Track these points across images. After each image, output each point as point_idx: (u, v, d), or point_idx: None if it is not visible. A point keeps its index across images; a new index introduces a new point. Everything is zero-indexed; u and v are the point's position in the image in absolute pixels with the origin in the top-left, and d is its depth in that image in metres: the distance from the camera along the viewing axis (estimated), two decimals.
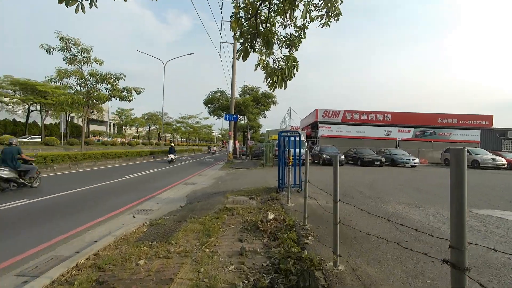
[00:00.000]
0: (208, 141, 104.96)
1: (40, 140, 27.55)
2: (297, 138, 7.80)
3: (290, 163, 5.84)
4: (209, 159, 25.99)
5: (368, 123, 25.37)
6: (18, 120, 38.84)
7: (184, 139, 73.10)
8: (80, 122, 53.63)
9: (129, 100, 15.03)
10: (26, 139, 27.55)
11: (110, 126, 62.19)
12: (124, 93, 15.43)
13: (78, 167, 12.57)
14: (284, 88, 5.13)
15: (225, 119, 21.78)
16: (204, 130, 60.32)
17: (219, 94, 26.23)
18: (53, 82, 12.11)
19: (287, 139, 7.90)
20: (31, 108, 35.53)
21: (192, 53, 26.71)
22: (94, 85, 14.02)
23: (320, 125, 25.25)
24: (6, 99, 30.10)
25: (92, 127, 59.50)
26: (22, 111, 36.60)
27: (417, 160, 19.04)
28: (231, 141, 21.65)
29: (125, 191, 8.33)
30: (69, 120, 51.77)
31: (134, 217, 5.81)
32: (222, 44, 21.50)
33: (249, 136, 41.17)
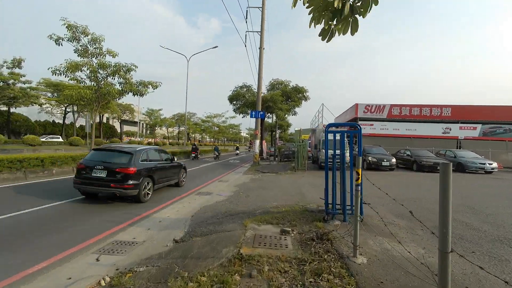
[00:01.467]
0: (236, 141, 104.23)
1: (59, 139, 27.89)
2: (342, 137, 5.13)
3: (360, 180, 3.18)
4: (234, 161, 23.97)
5: (421, 119, 21.12)
6: (56, 122, 41.01)
7: (213, 139, 72.80)
8: (112, 123, 55.73)
9: (142, 95, 13.42)
10: (44, 139, 28.04)
11: (141, 126, 64.03)
12: (140, 87, 13.91)
13: None
14: (352, 33, 2.52)
15: (251, 116, 19.48)
16: (231, 130, 58.89)
17: (244, 89, 23.99)
18: (56, 75, 10.90)
19: (334, 135, 5.24)
20: (68, 109, 37.03)
21: (217, 47, 24.97)
22: (105, 78, 12.62)
23: (360, 122, 21.68)
24: (42, 101, 31.25)
25: (126, 128, 61.78)
26: (59, 113, 38.39)
27: (494, 164, 14.80)
28: (258, 141, 19.28)
29: (116, 206, 6.36)
30: (105, 121, 54.10)
31: (98, 260, 3.66)
32: (248, 34, 19.05)
33: (277, 136, 38.56)
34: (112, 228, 4.89)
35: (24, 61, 25.05)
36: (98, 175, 6.23)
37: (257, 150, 19.09)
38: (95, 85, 12.92)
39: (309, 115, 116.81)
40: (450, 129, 20.73)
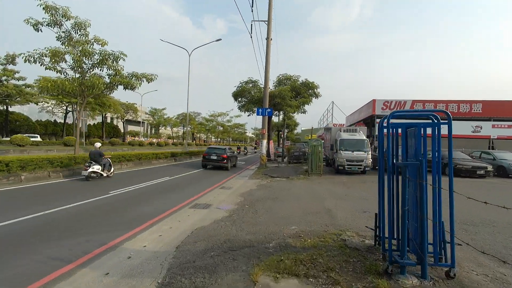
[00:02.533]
0: (242, 141, 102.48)
1: (37, 138, 26.41)
2: (419, 132, 3.31)
3: None
4: (238, 162, 22.20)
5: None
6: (58, 121, 40.04)
7: (218, 139, 71.30)
8: (116, 123, 54.71)
9: (133, 89, 11.79)
10: None
11: (145, 126, 62.98)
12: (133, 80, 12.31)
13: (63, 176, 9.56)
14: None
15: (258, 114, 17.68)
16: (236, 129, 57.16)
17: (250, 85, 22.14)
18: (30, 62, 9.30)
19: (395, 131, 3.43)
20: (69, 108, 35.88)
21: (220, 39, 23.25)
22: (91, 69, 11.02)
23: (378, 121, 19.66)
24: (40, 99, 30.02)
25: (130, 128, 60.84)
26: (60, 112, 37.36)
27: None
28: (265, 141, 17.48)
29: (80, 228, 4.66)
30: (109, 121, 53.17)
31: None
32: (254, 23, 17.21)
33: (284, 135, 36.68)
34: (48, 275, 3.15)
35: (18, 57, 23.88)
36: (213, 158, 14.63)
37: (264, 151, 17.30)
38: (79, 76, 11.34)
39: (315, 114, 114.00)
40: (481, 128, 18.52)
